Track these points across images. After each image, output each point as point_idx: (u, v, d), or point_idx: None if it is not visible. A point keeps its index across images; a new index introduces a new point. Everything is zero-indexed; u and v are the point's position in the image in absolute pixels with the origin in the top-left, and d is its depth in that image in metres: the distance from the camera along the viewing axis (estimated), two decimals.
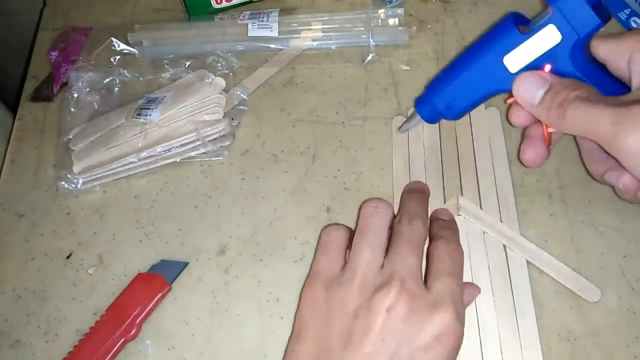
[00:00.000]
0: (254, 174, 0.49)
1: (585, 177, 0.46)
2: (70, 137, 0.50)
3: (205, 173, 0.49)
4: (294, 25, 0.55)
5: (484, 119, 0.49)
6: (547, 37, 0.35)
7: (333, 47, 0.55)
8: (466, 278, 0.42)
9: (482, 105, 0.50)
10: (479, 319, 0.40)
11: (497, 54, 0.37)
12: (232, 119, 0.50)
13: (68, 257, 0.46)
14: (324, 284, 0.34)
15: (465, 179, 0.46)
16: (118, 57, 0.55)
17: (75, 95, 0.53)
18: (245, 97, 0.52)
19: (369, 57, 0.54)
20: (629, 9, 0.53)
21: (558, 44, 0.35)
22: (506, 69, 0.37)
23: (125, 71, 0.54)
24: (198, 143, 0.48)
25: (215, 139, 0.49)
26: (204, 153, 0.49)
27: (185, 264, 0.44)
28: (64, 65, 0.55)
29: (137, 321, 0.41)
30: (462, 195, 0.45)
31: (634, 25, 0.53)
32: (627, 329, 0.40)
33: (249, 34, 0.55)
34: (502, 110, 0.49)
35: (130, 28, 0.57)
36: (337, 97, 0.52)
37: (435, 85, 0.41)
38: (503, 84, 0.38)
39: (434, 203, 0.45)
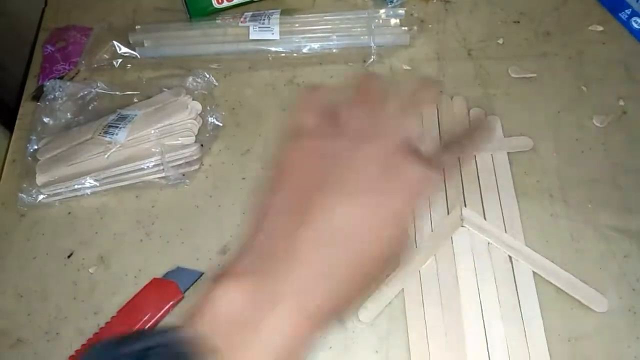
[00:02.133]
0: (254, 174, 0.48)
1: (586, 177, 0.46)
2: (38, 147, 0.49)
3: (206, 172, 0.49)
4: (295, 26, 0.55)
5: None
6: None
7: (334, 50, 0.55)
8: (472, 288, 0.42)
9: (483, 113, 0.50)
10: (487, 328, 0.40)
11: None
12: (202, 145, 0.48)
13: (69, 256, 0.46)
14: (313, 137, 0.32)
15: (467, 190, 0.46)
16: (120, 60, 0.55)
17: (49, 104, 0.51)
18: (220, 123, 0.50)
19: (371, 60, 0.54)
20: (630, 9, 0.53)
21: None
22: None
23: (103, 84, 0.53)
24: (161, 167, 0.47)
25: (180, 164, 0.48)
26: (164, 178, 0.47)
27: (201, 274, 0.43)
28: (61, 63, 0.55)
29: (147, 327, 0.41)
30: (465, 206, 0.45)
31: (635, 26, 0.53)
32: (627, 329, 0.40)
33: (250, 37, 0.55)
34: (503, 117, 0.50)
35: (131, 28, 0.57)
36: None
37: None
38: None
39: (437, 214, 0.45)
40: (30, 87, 0.56)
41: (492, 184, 0.46)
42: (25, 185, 0.47)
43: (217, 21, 0.57)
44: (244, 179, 0.48)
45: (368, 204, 0.29)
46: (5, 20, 0.75)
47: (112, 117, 0.49)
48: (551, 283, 0.41)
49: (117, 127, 0.47)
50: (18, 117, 0.54)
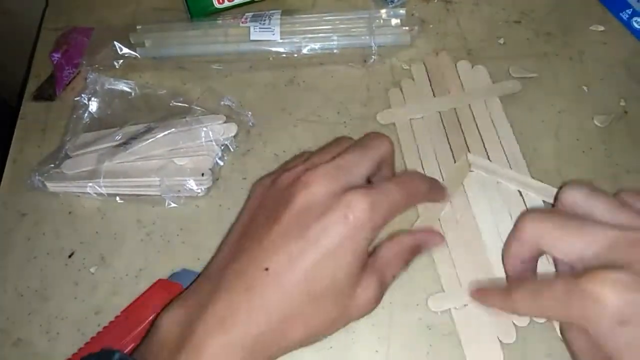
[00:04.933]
0: (255, 173, 0.49)
1: (587, 177, 0.46)
2: (69, 144, 0.49)
3: (206, 172, 0.49)
4: (296, 26, 0.55)
5: (473, 78, 0.52)
6: None
7: (335, 51, 0.55)
8: (488, 228, 0.43)
9: (469, 65, 0.53)
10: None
11: None
12: (211, 170, 0.47)
13: (70, 256, 0.46)
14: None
15: (469, 137, 0.48)
16: (121, 60, 0.55)
17: (91, 98, 0.51)
18: (221, 163, 0.49)
19: (372, 60, 0.54)
20: (631, 9, 0.53)
21: None
22: None
23: (147, 82, 0.53)
24: (158, 185, 0.47)
25: (180, 192, 0.47)
26: (159, 196, 0.47)
27: None
28: (66, 67, 0.55)
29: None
30: (469, 152, 0.47)
31: (636, 25, 0.53)
32: None
33: (251, 37, 0.55)
34: (489, 66, 0.52)
35: (132, 28, 0.57)
36: (339, 97, 0.52)
37: None
38: None
39: (445, 164, 0.47)
40: (31, 87, 0.56)
41: (490, 127, 0.49)
42: (43, 170, 0.48)
43: (218, 21, 0.57)
44: (244, 178, 0.48)
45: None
46: (6, 19, 0.75)
47: (140, 129, 0.49)
48: None
49: (141, 140, 0.47)
50: (19, 116, 0.54)
